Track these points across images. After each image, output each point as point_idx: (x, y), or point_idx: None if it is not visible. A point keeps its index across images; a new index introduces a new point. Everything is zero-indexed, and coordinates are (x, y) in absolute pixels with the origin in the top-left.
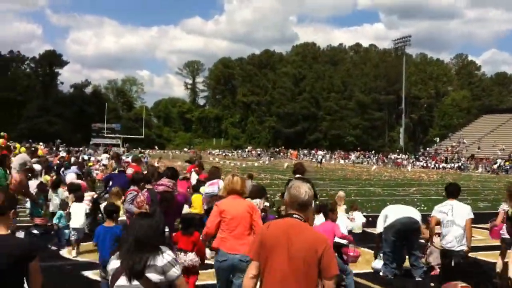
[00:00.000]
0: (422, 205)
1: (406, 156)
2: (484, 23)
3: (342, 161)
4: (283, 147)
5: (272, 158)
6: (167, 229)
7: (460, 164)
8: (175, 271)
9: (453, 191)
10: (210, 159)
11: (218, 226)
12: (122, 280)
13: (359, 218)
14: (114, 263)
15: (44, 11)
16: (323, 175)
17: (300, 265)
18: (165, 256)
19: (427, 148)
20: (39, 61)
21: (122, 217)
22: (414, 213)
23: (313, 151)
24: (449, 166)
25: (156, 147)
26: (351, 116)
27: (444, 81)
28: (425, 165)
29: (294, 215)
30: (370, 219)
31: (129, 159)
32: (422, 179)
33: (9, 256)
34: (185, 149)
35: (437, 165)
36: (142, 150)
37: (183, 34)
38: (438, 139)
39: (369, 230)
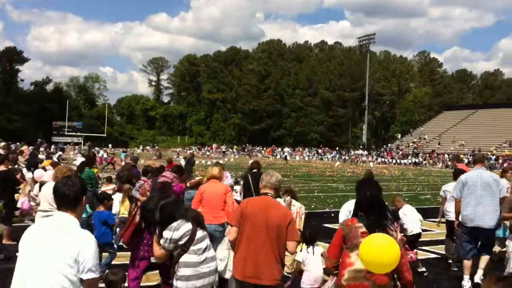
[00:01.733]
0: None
1: (366, 153)
2: (447, 21)
3: (306, 158)
4: (247, 144)
5: (248, 156)
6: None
7: (417, 160)
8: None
9: None
10: (174, 157)
11: (200, 204)
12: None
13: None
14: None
15: (4, 7)
16: (287, 171)
17: (274, 230)
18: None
19: (389, 144)
20: None
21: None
22: None
23: (278, 149)
24: (408, 161)
25: (110, 145)
26: (316, 113)
27: (407, 78)
28: (386, 161)
29: (268, 194)
30: (332, 214)
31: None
32: (384, 174)
33: None
34: (147, 147)
35: (398, 160)
36: (105, 149)
37: (148, 30)
38: (399, 135)
39: (331, 226)
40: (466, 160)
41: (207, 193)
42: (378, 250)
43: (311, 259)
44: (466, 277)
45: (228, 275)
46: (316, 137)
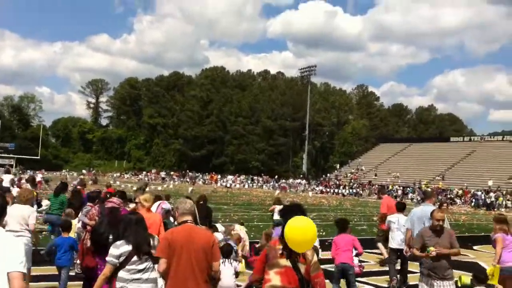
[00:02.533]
0: (321, 230)
1: (305, 182)
2: (385, 56)
3: (247, 186)
4: (188, 170)
5: (189, 182)
6: (111, 237)
7: (356, 190)
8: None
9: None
10: (111, 183)
11: None
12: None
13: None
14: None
15: None
16: (227, 200)
17: (201, 253)
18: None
19: (328, 174)
20: None
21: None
22: None
23: (218, 176)
24: (346, 191)
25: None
26: (257, 141)
27: (346, 110)
28: (324, 190)
29: (188, 221)
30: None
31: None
32: (323, 204)
33: None
34: (83, 171)
35: (336, 190)
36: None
37: (88, 51)
38: (338, 166)
39: None
40: (400, 192)
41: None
42: (299, 230)
43: (223, 270)
44: None
45: None
46: (257, 165)
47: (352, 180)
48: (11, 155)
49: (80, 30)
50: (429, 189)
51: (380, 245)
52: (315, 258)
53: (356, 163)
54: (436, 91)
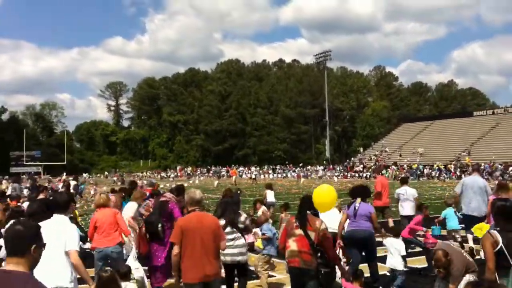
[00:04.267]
0: None
1: (320, 167)
2: (401, 35)
3: (272, 176)
4: (213, 165)
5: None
6: (160, 225)
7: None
8: None
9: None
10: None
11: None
12: None
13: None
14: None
15: None
16: (254, 191)
17: (210, 235)
18: None
19: (352, 158)
20: None
21: None
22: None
23: (242, 168)
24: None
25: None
26: (278, 131)
27: (364, 92)
28: (349, 175)
29: (196, 209)
30: None
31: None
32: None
33: None
34: (106, 173)
35: (360, 174)
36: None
37: (104, 55)
38: (361, 149)
39: None
40: (428, 171)
41: (99, 221)
42: (320, 194)
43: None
44: None
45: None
46: (280, 155)
47: (376, 163)
48: (38, 163)
49: (95, 35)
50: (477, 163)
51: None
52: (323, 226)
53: (380, 145)
54: (455, 66)
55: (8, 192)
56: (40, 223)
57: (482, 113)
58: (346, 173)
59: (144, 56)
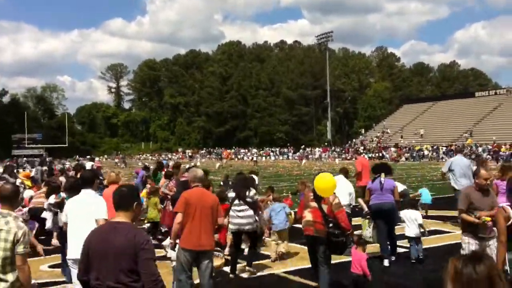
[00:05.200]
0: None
1: (318, 149)
2: (404, 15)
3: (273, 158)
4: (214, 147)
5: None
6: None
7: (381, 154)
8: None
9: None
10: (139, 164)
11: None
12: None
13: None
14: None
15: None
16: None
17: (209, 210)
18: None
19: (354, 140)
20: None
21: None
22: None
23: (243, 150)
24: (372, 155)
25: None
26: (280, 112)
27: (366, 73)
28: (349, 157)
29: (198, 185)
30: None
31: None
32: (350, 170)
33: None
34: (106, 156)
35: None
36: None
37: (105, 36)
38: (363, 131)
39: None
40: (427, 152)
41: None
42: (322, 181)
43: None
44: None
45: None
46: (281, 136)
47: (378, 144)
48: (40, 145)
49: (95, 17)
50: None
51: (360, 200)
52: (336, 200)
53: (381, 127)
54: (458, 46)
55: (32, 174)
56: (75, 197)
57: (484, 94)
58: (345, 154)
59: (145, 38)
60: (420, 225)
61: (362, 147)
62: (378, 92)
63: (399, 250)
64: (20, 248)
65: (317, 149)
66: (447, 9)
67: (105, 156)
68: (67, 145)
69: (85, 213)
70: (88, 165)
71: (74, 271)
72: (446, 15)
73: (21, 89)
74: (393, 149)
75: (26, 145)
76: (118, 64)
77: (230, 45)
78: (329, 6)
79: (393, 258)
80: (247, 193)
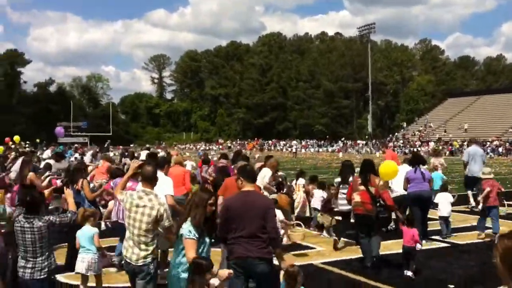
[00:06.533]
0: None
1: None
2: (449, 7)
3: (312, 150)
4: (254, 138)
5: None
6: None
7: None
8: None
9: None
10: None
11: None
12: None
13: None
14: None
15: (3, 9)
16: (294, 165)
17: None
18: None
19: (396, 133)
20: (1, 61)
21: None
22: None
23: (283, 142)
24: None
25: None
26: (319, 105)
27: (409, 66)
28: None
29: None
30: None
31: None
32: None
33: None
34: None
35: (402, 150)
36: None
37: (147, 27)
38: (405, 124)
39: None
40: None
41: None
42: (386, 167)
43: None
44: None
45: None
46: (321, 129)
47: (420, 138)
48: (85, 134)
49: (138, 7)
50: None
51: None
52: (381, 183)
53: (424, 120)
54: (505, 39)
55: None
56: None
57: None
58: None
59: (186, 29)
60: (451, 204)
61: (401, 141)
62: (421, 85)
63: (440, 245)
64: (166, 223)
65: (359, 141)
66: (493, 1)
67: (147, 145)
68: (111, 134)
69: (157, 190)
70: (143, 154)
71: None
72: (492, 7)
73: (66, 79)
74: (432, 143)
75: (72, 133)
76: (160, 55)
77: (271, 37)
78: None
79: (424, 241)
80: (350, 178)
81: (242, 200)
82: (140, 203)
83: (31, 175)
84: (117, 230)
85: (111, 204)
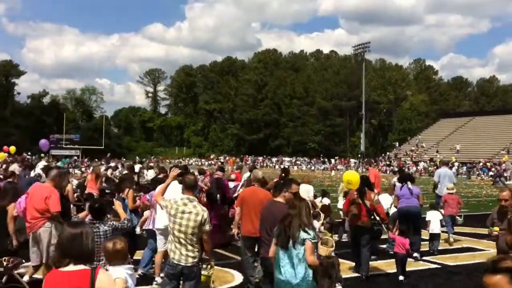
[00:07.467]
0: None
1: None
2: (443, 28)
3: (304, 167)
4: (246, 155)
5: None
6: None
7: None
8: None
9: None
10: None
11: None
12: None
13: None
14: None
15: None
16: None
17: (261, 204)
18: None
19: (388, 153)
20: None
21: None
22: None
23: (275, 158)
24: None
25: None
26: (313, 122)
27: (403, 86)
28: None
29: (255, 185)
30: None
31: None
32: (382, 184)
33: None
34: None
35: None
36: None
37: (144, 41)
38: (397, 144)
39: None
40: (455, 166)
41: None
42: (349, 176)
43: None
44: None
45: None
46: (314, 147)
47: (412, 158)
48: (77, 146)
49: (135, 21)
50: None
51: None
52: (376, 197)
53: (416, 140)
54: (498, 61)
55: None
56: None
57: None
58: (377, 167)
59: (183, 44)
60: (440, 221)
61: (395, 161)
62: (415, 105)
63: (429, 266)
64: (207, 227)
65: (352, 160)
66: (487, 23)
67: (137, 158)
68: (103, 147)
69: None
70: (137, 167)
71: (160, 241)
72: (487, 28)
73: (61, 91)
74: (423, 163)
75: (64, 146)
76: (156, 69)
77: (266, 53)
78: (367, 16)
79: (412, 261)
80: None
81: (269, 209)
82: (185, 210)
83: (69, 186)
84: (148, 237)
85: (146, 213)
